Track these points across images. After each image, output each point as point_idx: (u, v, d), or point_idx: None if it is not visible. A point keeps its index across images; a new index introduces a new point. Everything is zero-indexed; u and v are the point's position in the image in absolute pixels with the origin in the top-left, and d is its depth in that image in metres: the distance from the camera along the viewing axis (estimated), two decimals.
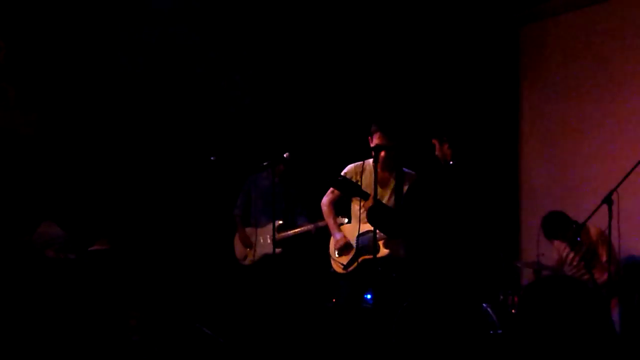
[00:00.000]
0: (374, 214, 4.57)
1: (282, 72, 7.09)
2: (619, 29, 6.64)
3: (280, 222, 6.15)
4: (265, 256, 6.18)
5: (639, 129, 6.35)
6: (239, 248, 6.45)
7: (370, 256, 4.88)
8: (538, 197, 6.97)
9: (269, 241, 6.13)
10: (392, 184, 5.15)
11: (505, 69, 7.52)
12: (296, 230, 6.17)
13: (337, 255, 5.27)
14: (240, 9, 6.85)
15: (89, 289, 5.21)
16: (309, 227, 6.14)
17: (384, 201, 5.05)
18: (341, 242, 5.25)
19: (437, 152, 4.33)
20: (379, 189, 5.05)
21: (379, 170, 4.84)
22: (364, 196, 4.73)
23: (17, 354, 4.72)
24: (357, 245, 5.18)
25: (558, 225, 5.96)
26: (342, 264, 5.21)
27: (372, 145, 5.01)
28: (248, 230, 6.41)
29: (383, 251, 5.05)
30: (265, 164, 5.80)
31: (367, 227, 5.02)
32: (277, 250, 5.85)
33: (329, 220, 5.40)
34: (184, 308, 6.07)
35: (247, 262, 6.35)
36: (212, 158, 6.02)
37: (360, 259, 5.17)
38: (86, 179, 6.29)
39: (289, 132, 6.81)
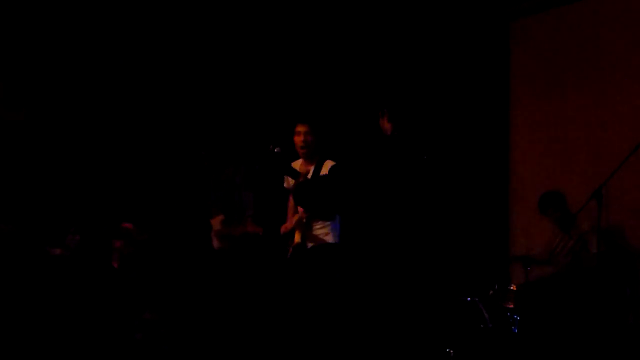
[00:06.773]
0: (300, 192, 4.66)
1: (269, 66, 7.06)
2: (609, 23, 6.65)
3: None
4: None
5: (629, 123, 6.37)
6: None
7: None
8: (528, 191, 6.98)
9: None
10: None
11: (495, 63, 7.52)
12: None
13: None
14: (225, 4, 6.83)
15: (80, 286, 5.18)
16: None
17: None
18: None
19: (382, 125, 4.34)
20: None
21: (302, 164, 5.10)
22: (294, 175, 4.85)
23: (16, 353, 4.70)
24: None
25: (552, 200, 6.13)
26: None
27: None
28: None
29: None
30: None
31: None
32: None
33: None
34: (174, 300, 6.05)
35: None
36: (202, 152, 6.01)
37: None
38: (75, 171, 6.28)
39: (278, 126, 6.79)
